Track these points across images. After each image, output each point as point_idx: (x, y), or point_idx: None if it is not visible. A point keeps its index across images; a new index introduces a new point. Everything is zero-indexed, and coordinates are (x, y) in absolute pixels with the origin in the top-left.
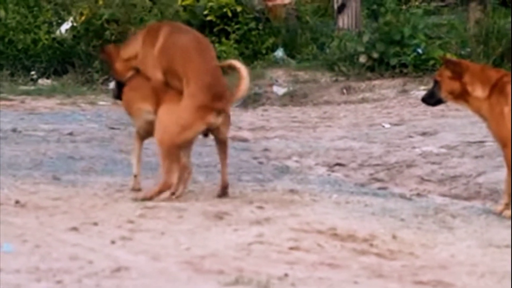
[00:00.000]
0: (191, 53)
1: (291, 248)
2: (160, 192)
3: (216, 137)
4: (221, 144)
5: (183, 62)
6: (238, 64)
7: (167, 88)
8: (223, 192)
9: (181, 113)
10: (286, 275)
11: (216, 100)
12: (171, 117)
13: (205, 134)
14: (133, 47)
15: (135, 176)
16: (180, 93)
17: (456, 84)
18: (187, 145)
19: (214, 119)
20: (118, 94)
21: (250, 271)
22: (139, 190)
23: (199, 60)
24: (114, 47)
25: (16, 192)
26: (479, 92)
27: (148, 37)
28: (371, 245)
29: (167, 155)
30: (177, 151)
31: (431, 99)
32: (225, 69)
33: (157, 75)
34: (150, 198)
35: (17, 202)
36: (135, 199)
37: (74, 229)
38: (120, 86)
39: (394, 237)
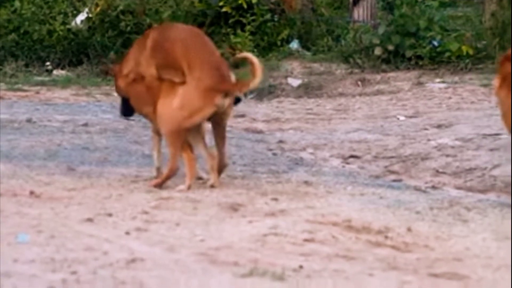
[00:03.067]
0: (188, 40)
1: (306, 240)
2: (167, 177)
3: (218, 121)
4: (221, 128)
5: (181, 51)
6: (252, 57)
7: (161, 84)
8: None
9: (188, 98)
10: (301, 267)
11: (223, 81)
12: (174, 105)
13: None
14: (130, 60)
15: (158, 168)
16: (173, 85)
17: None
18: (193, 129)
19: (221, 101)
20: (125, 111)
21: (265, 262)
22: None
23: (198, 45)
24: (115, 66)
25: (31, 182)
26: None
27: (140, 43)
28: (386, 237)
29: (175, 141)
30: (183, 136)
31: None
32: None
33: (151, 71)
34: (161, 185)
35: (32, 192)
36: (150, 190)
37: (89, 220)
38: (125, 102)
39: (409, 229)
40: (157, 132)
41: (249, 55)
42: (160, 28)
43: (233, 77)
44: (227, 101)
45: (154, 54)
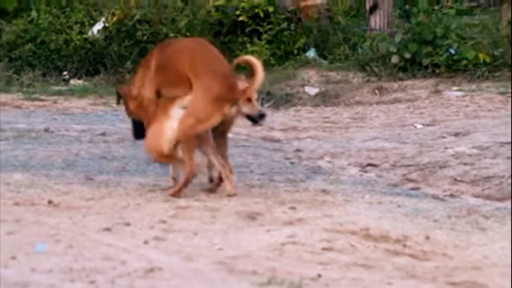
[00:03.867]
0: (194, 50)
1: (324, 249)
2: (185, 184)
3: (223, 130)
4: (225, 137)
5: (188, 61)
6: (249, 57)
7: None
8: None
9: (197, 106)
10: (319, 275)
11: (231, 90)
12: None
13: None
14: (137, 82)
15: (174, 178)
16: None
17: None
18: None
19: (229, 110)
20: (136, 134)
21: (283, 271)
22: None
23: (205, 54)
24: (126, 87)
25: (49, 192)
26: None
27: (145, 63)
28: (404, 245)
29: (186, 149)
30: (195, 143)
31: None
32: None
33: (148, 93)
34: (178, 193)
35: (50, 202)
36: (167, 199)
37: (107, 229)
38: (136, 124)
39: (427, 238)
40: None
41: (247, 56)
42: (164, 45)
43: (240, 85)
44: (234, 110)
45: (159, 73)
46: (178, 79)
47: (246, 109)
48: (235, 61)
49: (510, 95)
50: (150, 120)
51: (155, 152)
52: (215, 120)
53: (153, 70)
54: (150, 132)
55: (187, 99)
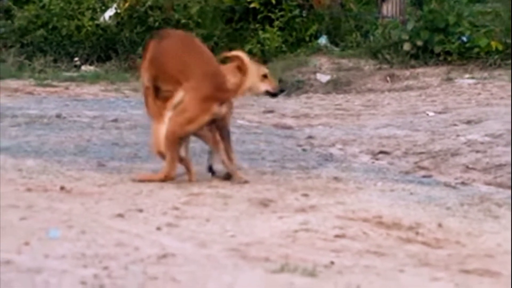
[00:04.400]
0: (182, 51)
1: (337, 236)
2: (160, 180)
3: (219, 126)
4: (225, 131)
5: (176, 63)
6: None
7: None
8: (229, 177)
9: (185, 106)
10: (332, 262)
11: (219, 90)
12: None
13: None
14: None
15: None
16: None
17: None
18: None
19: (218, 109)
20: None
21: (296, 258)
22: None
23: (193, 54)
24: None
25: (61, 178)
26: None
27: (144, 52)
28: (417, 233)
29: (171, 148)
30: (179, 143)
31: None
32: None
33: (145, 81)
34: (145, 181)
35: (62, 188)
36: (180, 186)
37: (120, 215)
38: None
39: (439, 225)
40: None
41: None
42: (156, 40)
43: (230, 83)
44: (224, 109)
45: (152, 66)
46: (167, 77)
47: (264, 86)
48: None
49: None
50: (149, 109)
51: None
52: (204, 120)
53: (148, 61)
54: (153, 130)
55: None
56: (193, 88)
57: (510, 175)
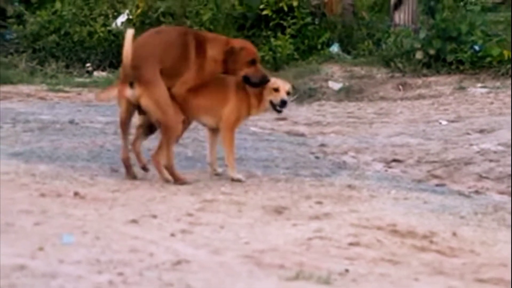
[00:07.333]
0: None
1: (351, 244)
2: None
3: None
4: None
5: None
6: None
7: None
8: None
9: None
10: (346, 270)
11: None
12: None
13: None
14: None
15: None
16: None
17: None
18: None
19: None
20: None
21: (311, 266)
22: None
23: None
24: None
25: (74, 183)
26: None
27: None
28: (431, 242)
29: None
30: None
31: None
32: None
33: None
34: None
35: (76, 193)
36: (193, 192)
37: (134, 221)
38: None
39: (454, 234)
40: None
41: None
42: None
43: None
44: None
45: None
46: None
47: (271, 96)
48: None
49: None
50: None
51: None
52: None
53: None
54: None
55: None
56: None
57: (511, 183)
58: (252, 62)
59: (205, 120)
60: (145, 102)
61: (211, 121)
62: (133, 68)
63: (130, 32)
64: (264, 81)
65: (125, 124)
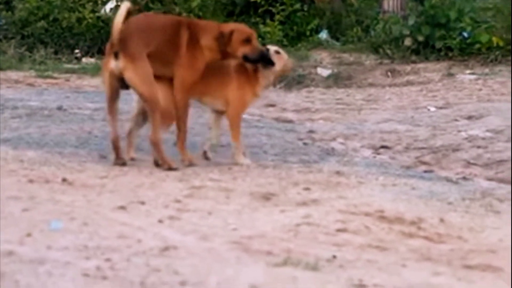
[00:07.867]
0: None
1: (339, 230)
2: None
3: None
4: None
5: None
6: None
7: None
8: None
9: None
10: (334, 256)
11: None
12: None
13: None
14: None
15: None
16: None
17: None
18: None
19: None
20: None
21: (298, 252)
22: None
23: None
24: None
25: (63, 169)
26: None
27: None
28: (419, 228)
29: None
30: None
31: None
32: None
33: None
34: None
35: (64, 179)
36: (182, 178)
37: (122, 207)
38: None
39: (441, 220)
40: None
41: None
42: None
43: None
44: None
45: None
46: None
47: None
48: None
49: None
50: None
51: None
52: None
53: None
54: None
55: None
56: None
57: (511, 171)
58: (247, 41)
59: (209, 102)
60: (128, 75)
61: (215, 103)
62: (120, 40)
63: (126, 4)
64: (263, 55)
65: (112, 104)
